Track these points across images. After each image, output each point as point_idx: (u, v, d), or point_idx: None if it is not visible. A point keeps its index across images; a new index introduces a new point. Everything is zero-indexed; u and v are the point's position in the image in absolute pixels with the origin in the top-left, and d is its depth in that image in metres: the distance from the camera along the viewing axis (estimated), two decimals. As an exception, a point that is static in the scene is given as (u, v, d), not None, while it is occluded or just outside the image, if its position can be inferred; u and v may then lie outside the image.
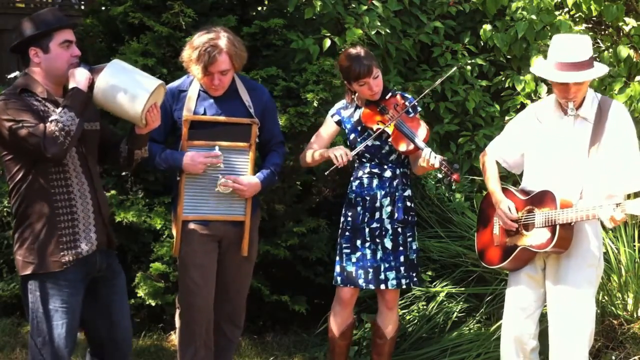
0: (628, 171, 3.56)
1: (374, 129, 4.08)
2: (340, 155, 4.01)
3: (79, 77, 3.33)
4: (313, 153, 4.21)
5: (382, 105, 4.13)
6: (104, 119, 3.67)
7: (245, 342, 5.03)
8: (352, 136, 4.19)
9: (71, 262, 3.35)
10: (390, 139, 4.08)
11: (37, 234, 3.33)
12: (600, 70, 3.62)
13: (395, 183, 4.15)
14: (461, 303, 4.92)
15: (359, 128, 4.16)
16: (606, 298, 4.61)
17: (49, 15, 3.40)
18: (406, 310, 4.96)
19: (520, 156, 3.88)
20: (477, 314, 4.85)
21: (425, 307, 4.94)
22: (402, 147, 4.05)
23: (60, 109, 3.27)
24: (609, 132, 3.60)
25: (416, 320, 4.89)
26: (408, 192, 4.19)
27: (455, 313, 4.88)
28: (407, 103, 4.16)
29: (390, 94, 4.19)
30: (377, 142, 4.11)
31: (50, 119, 3.24)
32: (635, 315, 4.60)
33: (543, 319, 3.85)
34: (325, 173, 4.19)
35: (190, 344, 3.91)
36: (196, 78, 3.81)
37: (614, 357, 4.44)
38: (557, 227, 3.55)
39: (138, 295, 4.83)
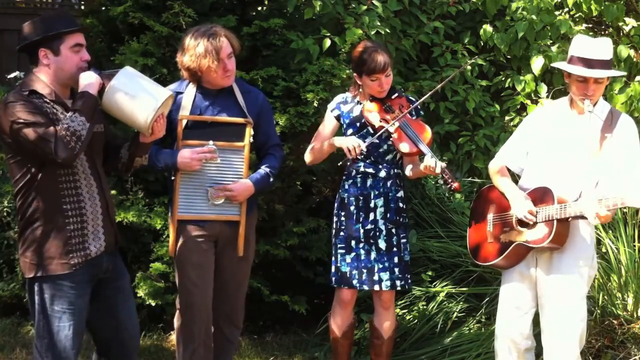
0: (627, 185, 3.53)
1: (376, 127, 4.05)
2: (353, 146, 3.95)
3: (90, 82, 3.31)
4: (321, 145, 4.14)
5: (388, 104, 4.11)
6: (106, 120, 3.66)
7: (245, 342, 5.04)
8: (349, 132, 4.15)
9: (79, 264, 3.35)
10: (391, 139, 4.05)
11: (45, 236, 3.32)
12: (618, 71, 3.67)
13: (389, 184, 4.14)
14: (461, 303, 4.92)
15: (358, 124, 4.14)
16: (606, 298, 4.61)
17: (62, 17, 3.38)
18: (406, 310, 4.96)
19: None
20: (477, 314, 4.85)
21: (425, 307, 4.94)
22: (405, 148, 4.01)
23: (70, 113, 3.25)
24: (616, 139, 3.62)
25: (416, 320, 4.89)
26: (401, 194, 4.18)
27: (455, 313, 4.88)
28: (410, 105, 4.15)
29: (396, 94, 4.17)
30: (376, 140, 4.07)
31: (61, 123, 3.22)
32: (635, 315, 4.60)
33: (539, 319, 3.85)
34: (339, 164, 4.12)
35: (189, 344, 3.92)
36: (209, 73, 3.78)
37: (614, 357, 4.44)
38: (555, 222, 3.56)
39: (138, 295, 4.83)
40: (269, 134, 4.03)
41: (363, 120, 4.12)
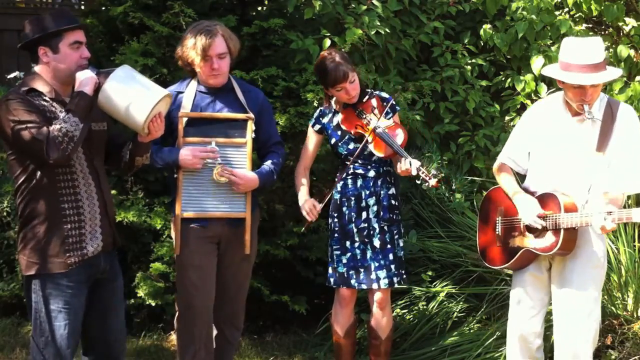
0: (633, 173, 3.55)
1: (352, 133, 4.11)
2: (310, 210, 4.08)
3: (85, 81, 3.30)
4: (296, 184, 4.25)
5: (360, 109, 4.15)
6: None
7: (245, 342, 5.04)
8: (333, 140, 4.21)
9: (76, 263, 3.35)
10: (369, 144, 4.08)
11: (43, 234, 3.32)
12: (615, 72, 3.59)
13: (379, 182, 4.16)
14: (461, 303, 4.92)
15: (339, 132, 4.19)
16: (606, 298, 4.61)
17: (62, 15, 3.38)
18: (406, 310, 4.96)
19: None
20: (477, 314, 4.85)
21: (425, 307, 4.94)
22: (381, 153, 4.06)
23: (64, 113, 3.25)
24: (618, 133, 3.59)
25: (416, 320, 4.89)
26: (392, 191, 4.20)
27: (455, 313, 4.88)
28: (384, 104, 4.16)
29: (367, 97, 4.19)
30: (359, 145, 4.11)
31: (53, 124, 3.21)
32: (635, 315, 4.60)
33: (547, 318, 3.84)
34: (302, 230, 4.25)
35: (190, 346, 3.91)
36: (195, 67, 3.80)
37: (614, 357, 4.44)
38: (562, 230, 3.55)
39: (138, 295, 4.83)
40: (270, 133, 4.04)
41: (344, 128, 4.16)
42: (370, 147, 4.08)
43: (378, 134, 4.06)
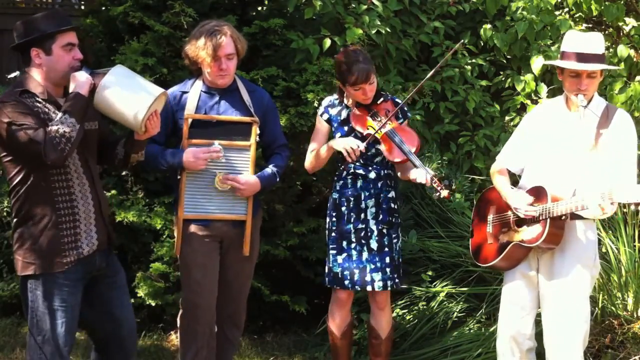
0: (621, 182, 3.52)
1: (364, 134, 4.04)
2: (352, 149, 3.92)
3: (80, 82, 3.30)
4: (319, 151, 4.13)
5: (374, 111, 4.10)
6: (102, 118, 3.66)
7: (245, 342, 5.04)
8: (337, 135, 4.15)
9: (72, 262, 3.36)
10: (379, 146, 4.03)
11: (39, 234, 3.33)
12: (610, 65, 3.65)
13: (379, 184, 4.13)
14: (461, 303, 4.92)
15: (346, 127, 4.13)
16: (606, 298, 4.61)
17: (54, 17, 3.37)
18: (406, 310, 4.96)
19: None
20: (477, 314, 4.85)
21: (425, 307, 4.94)
22: (394, 158, 3.99)
23: (60, 114, 3.24)
24: (612, 135, 3.61)
25: (416, 320, 4.89)
26: (392, 194, 4.17)
27: (455, 313, 4.88)
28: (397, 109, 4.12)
29: (382, 99, 4.15)
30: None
31: (50, 125, 3.21)
32: (635, 315, 4.59)
33: (540, 319, 3.85)
34: (341, 167, 4.07)
35: (192, 344, 3.92)
36: (204, 67, 3.80)
37: (614, 357, 4.44)
38: (548, 221, 3.56)
39: (138, 295, 4.83)
40: (275, 134, 4.04)
41: (351, 125, 4.11)
42: (383, 151, 4.01)
43: (390, 137, 4.00)
